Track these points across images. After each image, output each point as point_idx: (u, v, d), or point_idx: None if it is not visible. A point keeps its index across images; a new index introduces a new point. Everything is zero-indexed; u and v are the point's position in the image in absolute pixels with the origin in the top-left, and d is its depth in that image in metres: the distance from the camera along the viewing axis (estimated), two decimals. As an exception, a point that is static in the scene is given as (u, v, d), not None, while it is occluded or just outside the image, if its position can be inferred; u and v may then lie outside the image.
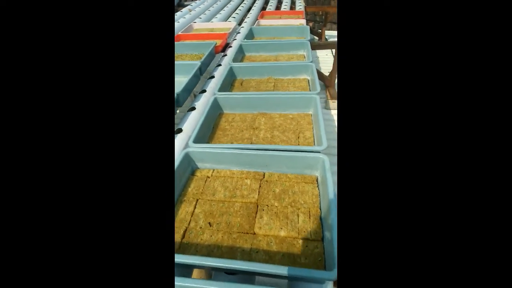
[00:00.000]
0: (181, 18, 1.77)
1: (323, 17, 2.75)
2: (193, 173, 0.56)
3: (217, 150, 0.55)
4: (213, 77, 0.99)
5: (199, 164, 0.57)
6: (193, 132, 0.59)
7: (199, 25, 1.51)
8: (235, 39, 1.35)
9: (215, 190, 0.51)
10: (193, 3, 2.25)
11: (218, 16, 1.82)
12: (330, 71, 1.23)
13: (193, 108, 0.80)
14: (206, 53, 1.01)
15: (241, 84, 0.90)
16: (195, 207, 0.48)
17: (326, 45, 1.70)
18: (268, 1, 2.36)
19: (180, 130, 0.71)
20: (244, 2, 2.21)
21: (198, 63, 0.92)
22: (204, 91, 0.90)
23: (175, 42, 1.23)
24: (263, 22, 1.49)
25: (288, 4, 2.12)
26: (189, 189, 0.52)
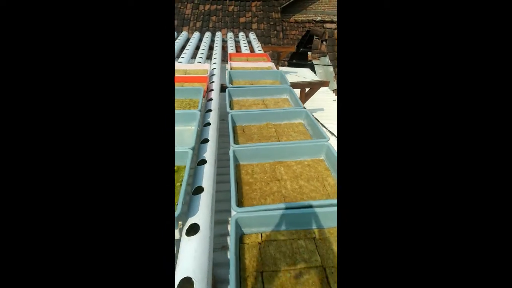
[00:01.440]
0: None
1: (276, 56, 3.03)
2: (241, 241, 0.52)
3: (266, 213, 0.53)
4: (208, 123, 0.97)
5: (245, 230, 0.54)
6: (231, 195, 0.56)
7: (171, 66, 1.47)
8: (213, 82, 1.36)
9: (274, 258, 0.49)
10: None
11: (184, 55, 1.82)
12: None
13: (204, 161, 0.76)
14: (200, 100, 0.98)
15: (243, 131, 0.90)
16: (263, 283, 0.45)
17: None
18: (226, 40, 2.49)
19: (201, 189, 0.66)
20: (204, 42, 2.27)
21: (197, 112, 0.89)
22: (206, 140, 0.87)
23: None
24: (235, 64, 1.56)
25: (247, 44, 2.27)
26: (247, 261, 0.48)
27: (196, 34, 2.53)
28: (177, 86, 1.22)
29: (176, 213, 0.51)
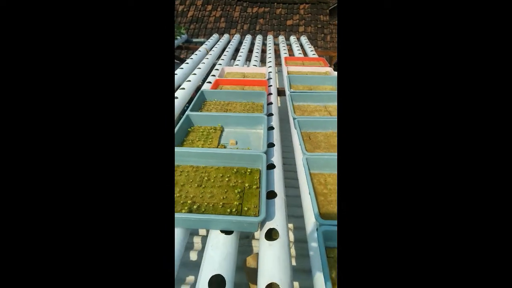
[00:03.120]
0: (204, 59, 1.78)
1: (328, 60, 2.96)
2: (327, 255, 0.51)
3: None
4: (272, 128, 0.97)
5: (327, 243, 0.52)
6: (312, 206, 0.55)
7: (230, 69, 1.53)
8: (271, 85, 1.37)
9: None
10: (207, 42, 2.30)
11: (240, 58, 1.87)
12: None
13: (273, 166, 0.77)
14: (265, 104, 1.00)
15: (309, 138, 0.89)
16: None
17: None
18: (277, 43, 2.50)
19: (274, 194, 0.66)
20: (257, 45, 2.31)
21: (264, 115, 0.91)
22: (272, 144, 0.87)
23: (219, 90, 1.22)
24: (291, 69, 1.55)
25: (299, 48, 2.25)
26: (333, 276, 0.47)
27: (249, 37, 2.59)
28: (238, 89, 1.26)
29: (261, 217, 0.52)
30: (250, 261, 0.91)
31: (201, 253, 1.00)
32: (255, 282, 0.89)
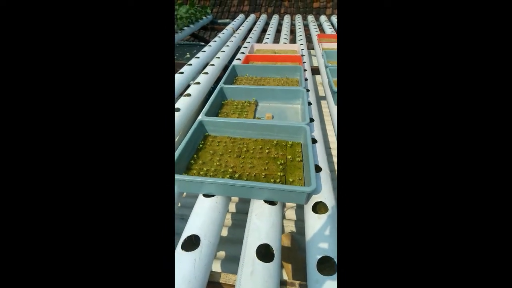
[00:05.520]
0: (232, 37, 1.72)
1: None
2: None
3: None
4: (310, 103, 0.91)
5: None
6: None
7: (260, 46, 1.46)
8: (305, 62, 1.30)
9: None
10: (233, 22, 2.23)
11: (268, 36, 1.79)
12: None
13: (315, 140, 0.72)
14: (302, 79, 0.93)
15: (352, 114, 0.82)
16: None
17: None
18: (306, 24, 2.37)
19: (319, 168, 0.61)
20: (286, 25, 2.20)
21: (303, 89, 0.84)
22: (312, 120, 0.82)
23: (251, 64, 1.17)
24: (326, 45, 1.45)
25: (331, 27, 2.12)
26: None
27: (276, 17, 2.48)
28: (270, 64, 1.20)
29: (312, 187, 0.48)
30: (283, 240, 0.88)
31: (231, 229, 0.99)
32: (287, 260, 0.87)
